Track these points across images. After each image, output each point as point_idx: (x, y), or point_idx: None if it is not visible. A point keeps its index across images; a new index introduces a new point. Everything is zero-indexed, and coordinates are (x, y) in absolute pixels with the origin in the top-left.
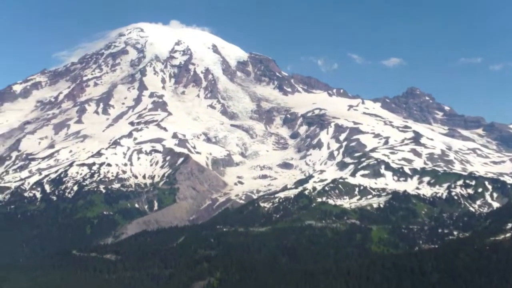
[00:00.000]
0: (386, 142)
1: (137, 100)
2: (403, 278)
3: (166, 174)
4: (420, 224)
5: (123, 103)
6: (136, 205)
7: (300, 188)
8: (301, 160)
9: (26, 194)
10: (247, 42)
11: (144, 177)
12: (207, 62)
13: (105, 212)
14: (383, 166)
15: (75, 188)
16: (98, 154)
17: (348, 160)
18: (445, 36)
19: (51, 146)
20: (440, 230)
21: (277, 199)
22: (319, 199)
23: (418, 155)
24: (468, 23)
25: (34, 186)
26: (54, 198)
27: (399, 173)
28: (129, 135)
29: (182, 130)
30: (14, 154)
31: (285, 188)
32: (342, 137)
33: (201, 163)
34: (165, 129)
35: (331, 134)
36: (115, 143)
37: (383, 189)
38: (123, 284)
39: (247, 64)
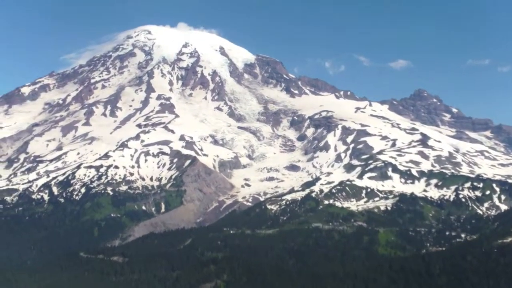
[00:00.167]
0: (394, 144)
1: (145, 103)
2: (411, 280)
3: (173, 176)
4: (428, 226)
5: (130, 106)
6: (143, 208)
7: (307, 191)
8: (308, 163)
9: (34, 196)
10: (254, 44)
11: (151, 179)
12: (215, 65)
13: (112, 214)
14: (390, 169)
15: (83, 190)
16: (106, 156)
17: (355, 162)
18: (453, 38)
19: (59, 148)
20: (447, 233)
21: (284, 202)
22: (326, 202)
23: (426, 157)
24: (475, 25)
25: (42, 188)
26: (62, 200)
27: (407, 176)
28: (137, 137)
29: (189, 132)
30: (22, 156)
31: (292, 191)
32: (349, 139)
33: (208, 165)
34: (172, 131)
35: (338, 136)
36: (123, 146)
37: (390, 192)
38: (130, 286)
39: (254, 66)
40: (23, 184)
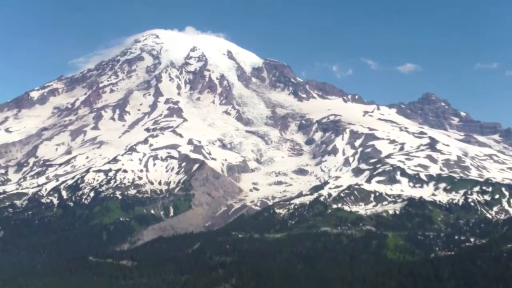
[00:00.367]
0: (402, 148)
1: (153, 107)
2: (420, 285)
3: (181, 180)
4: (437, 230)
5: (138, 110)
6: (152, 211)
7: (316, 195)
8: (316, 166)
9: (43, 200)
10: (262, 48)
11: (159, 183)
12: (222, 68)
13: (121, 218)
14: (398, 172)
15: (92, 194)
16: (114, 160)
17: (363, 166)
18: (461, 42)
19: (68, 152)
20: (456, 237)
21: (292, 206)
22: (334, 206)
23: (434, 161)
24: (484, 29)
25: (51, 192)
26: (71, 204)
27: (415, 180)
28: (145, 141)
29: (198, 136)
30: (31, 161)
31: (300, 195)
32: (357, 143)
33: (216, 169)
34: (180, 135)
35: (346, 140)
36: (131, 150)
37: (399, 196)
38: None
39: (262, 70)
40: (32, 188)
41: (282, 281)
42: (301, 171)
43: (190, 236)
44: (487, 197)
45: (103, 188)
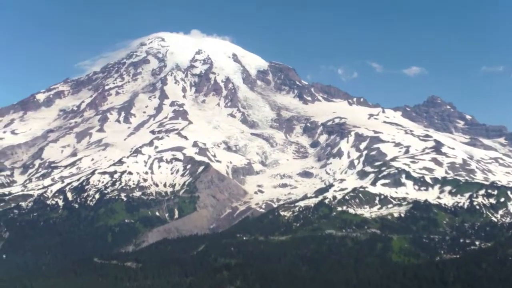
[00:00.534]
0: (407, 151)
1: (158, 109)
2: None
3: (186, 183)
4: (442, 234)
5: (144, 112)
6: (157, 213)
7: (320, 197)
8: (321, 169)
9: (48, 202)
10: (267, 51)
11: (164, 185)
12: (228, 71)
13: (126, 220)
14: (403, 175)
15: (97, 196)
16: (120, 162)
17: (368, 169)
18: (466, 45)
19: (74, 154)
20: (461, 240)
21: (297, 208)
22: (339, 208)
23: (439, 164)
24: (489, 31)
25: (56, 194)
26: (76, 206)
27: (420, 182)
28: (150, 143)
29: (203, 139)
30: (37, 162)
31: (305, 197)
32: (362, 146)
33: (221, 172)
34: (185, 137)
35: (351, 143)
36: (136, 152)
37: (404, 199)
38: None
39: (267, 73)
40: (38, 189)
41: (286, 284)
42: (306, 174)
43: (195, 238)
44: (492, 200)
45: (108, 190)
